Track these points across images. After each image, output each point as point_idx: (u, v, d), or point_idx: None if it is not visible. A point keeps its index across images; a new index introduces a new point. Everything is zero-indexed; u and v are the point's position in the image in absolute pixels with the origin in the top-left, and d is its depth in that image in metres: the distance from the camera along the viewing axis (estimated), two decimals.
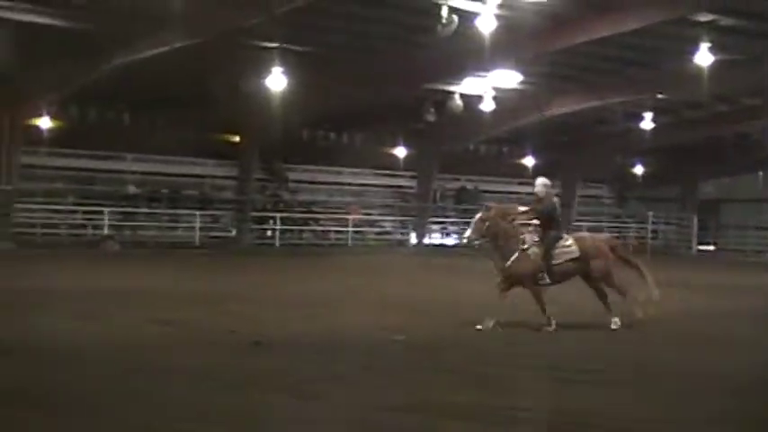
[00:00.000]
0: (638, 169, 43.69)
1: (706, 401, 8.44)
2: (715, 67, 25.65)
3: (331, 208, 37.11)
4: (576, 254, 13.21)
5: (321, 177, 37.71)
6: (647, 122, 35.15)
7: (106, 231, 30.59)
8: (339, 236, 36.34)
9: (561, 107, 33.62)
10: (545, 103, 32.85)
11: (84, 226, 31.41)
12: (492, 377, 9.36)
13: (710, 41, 24.80)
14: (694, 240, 40.70)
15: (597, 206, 44.85)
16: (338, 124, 36.29)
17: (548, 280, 13.05)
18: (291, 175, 36.57)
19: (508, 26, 23.26)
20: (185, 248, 30.23)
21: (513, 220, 13.26)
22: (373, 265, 25.57)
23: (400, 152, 37.39)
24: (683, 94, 32.28)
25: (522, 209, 13.58)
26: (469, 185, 40.26)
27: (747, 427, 7.76)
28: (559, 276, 13.18)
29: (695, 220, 40.92)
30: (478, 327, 12.45)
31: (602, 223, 41.01)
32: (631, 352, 11.28)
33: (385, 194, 39.61)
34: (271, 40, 25.71)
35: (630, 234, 40.14)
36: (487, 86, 31.28)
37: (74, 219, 31.45)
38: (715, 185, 46.67)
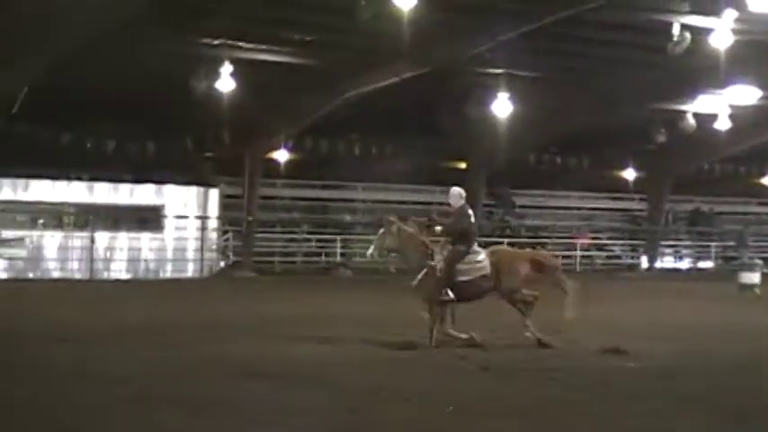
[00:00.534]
0: None
1: None
2: None
3: (558, 233, 36.63)
4: (487, 270, 12.59)
5: (548, 202, 37.36)
6: None
7: (339, 258, 31.60)
8: (566, 261, 35.75)
9: None
10: None
11: (318, 254, 32.59)
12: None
13: None
14: None
15: None
16: (565, 148, 35.84)
17: (451, 296, 12.44)
18: (518, 201, 36.43)
19: (746, 40, 22.22)
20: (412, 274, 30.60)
21: (429, 231, 12.93)
22: (603, 290, 24.93)
23: (629, 174, 36.46)
24: None
25: (441, 220, 13.22)
26: (704, 207, 38.66)
27: None
28: (469, 294, 12.60)
29: None
30: None
31: None
32: None
33: (614, 218, 38.70)
34: (496, 67, 25.83)
35: None
36: (723, 104, 29.96)
37: (308, 247, 32.71)
38: None
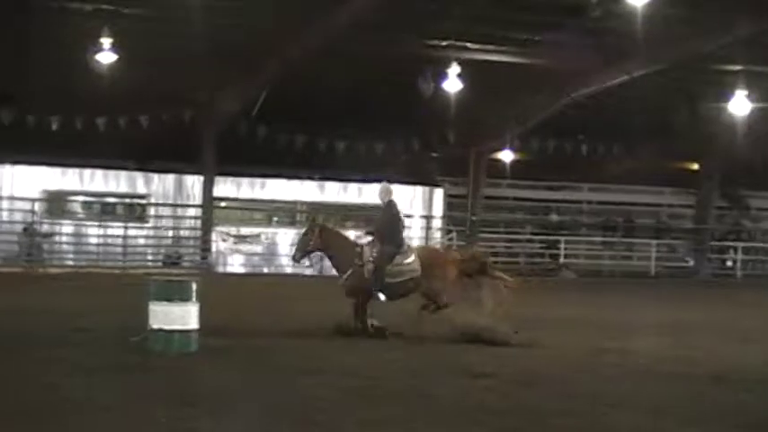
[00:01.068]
0: None
1: None
2: None
3: None
4: (418, 272, 12.08)
5: None
6: None
7: (562, 260, 31.21)
8: None
9: None
10: None
11: (541, 255, 32.31)
12: None
13: None
14: None
15: None
16: None
17: (382, 298, 12.06)
18: (754, 203, 34.62)
19: None
20: (640, 278, 29.84)
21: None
22: None
23: None
24: None
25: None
26: None
27: None
28: (399, 294, 12.19)
29: None
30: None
31: None
32: None
33: None
34: (733, 63, 24.64)
35: None
36: None
37: (531, 248, 32.48)
38: None
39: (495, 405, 8.66)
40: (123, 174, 26.77)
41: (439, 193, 29.47)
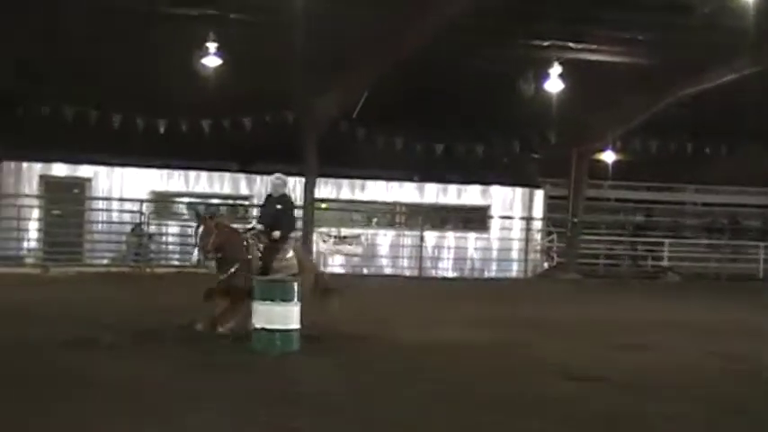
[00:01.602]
0: None
1: None
2: None
3: None
4: (296, 269, 11.67)
5: None
6: None
7: (666, 263, 30.60)
8: None
9: None
10: None
11: (644, 257, 31.73)
12: None
13: None
14: None
15: None
16: None
17: None
18: None
19: None
20: (747, 281, 29.06)
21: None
22: None
23: None
24: None
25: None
26: None
27: None
28: None
29: None
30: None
31: None
32: None
33: None
34: None
35: None
36: None
37: (634, 250, 31.92)
38: None
39: (604, 409, 8.57)
40: (227, 175, 27.34)
41: (539, 195, 29.25)
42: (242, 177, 27.41)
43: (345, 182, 27.94)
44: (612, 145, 29.86)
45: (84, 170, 26.13)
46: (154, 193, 26.58)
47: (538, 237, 29.30)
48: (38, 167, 25.75)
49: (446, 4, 20.29)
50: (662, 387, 9.80)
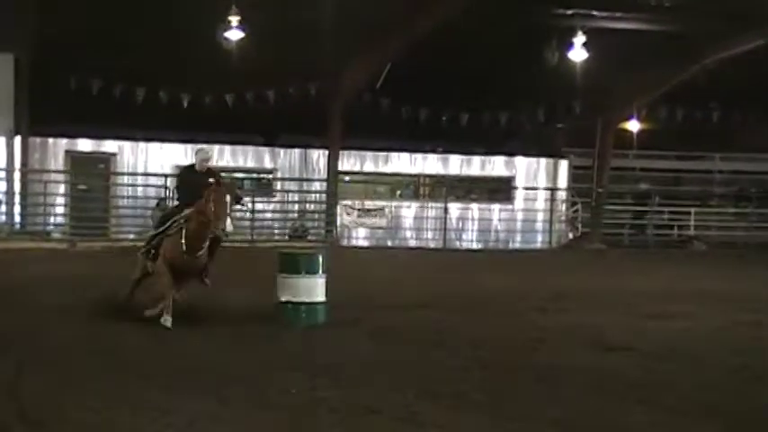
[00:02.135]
0: None
1: None
2: None
3: None
4: None
5: None
6: None
7: (692, 232, 30.39)
8: None
9: None
10: None
11: (670, 227, 31.51)
12: None
13: None
14: None
15: None
16: None
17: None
18: None
19: None
20: None
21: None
22: None
23: None
24: None
25: None
26: None
27: None
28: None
29: None
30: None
31: None
32: None
33: None
34: None
35: None
36: None
37: (660, 219, 31.70)
38: None
39: (633, 378, 8.55)
40: (251, 149, 27.35)
41: (564, 165, 29.10)
42: (266, 151, 27.43)
43: (369, 154, 27.89)
44: (638, 114, 29.60)
45: (108, 145, 26.26)
46: (178, 167, 26.65)
47: (562, 207, 29.18)
48: (63, 143, 25.90)
49: None
50: (692, 356, 9.75)
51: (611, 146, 29.13)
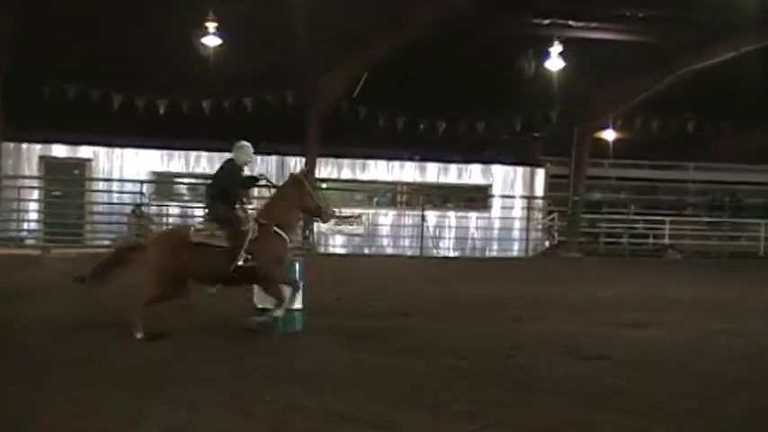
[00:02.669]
0: None
1: None
2: None
3: None
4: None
5: None
6: None
7: (667, 241, 30.59)
8: None
9: None
10: None
11: (645, 236, 31.72)
12: None
13: None
14: None
15: None
16: None
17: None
18: None
19: None
20: (748, 258, 29.08)
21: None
22: None
23: None
24: None
25: None
26: None
27: None
28: None
29: None
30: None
31: None
32: None
33: None
34: None
35: None
36: None
37: (635, 228, 31.90)
38: None
39: (609, 386, 8.59)
40: (227, 156, 27.23)
41: (540, 174, 29.23)
42: None
43: (346, 161, 27.89)
44: (613, 123, 29.80)
45: (84, 151, 26.10)
46: (154, 173, 26.54)
47: (539, 216, 29.28)
48: (38, 148, 25.73)
49: None
50: (667, 364, 9.79)
51: (588, 155, 29.29)
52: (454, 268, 23.09)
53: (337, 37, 22.60)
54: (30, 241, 24.60)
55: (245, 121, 26.13)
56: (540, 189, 29.19)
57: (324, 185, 27.58)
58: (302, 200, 11.35)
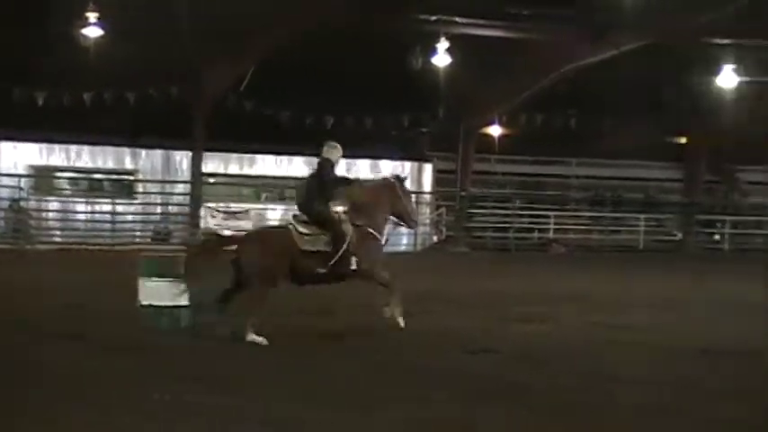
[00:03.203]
0: None
1: None
2: None
3: None
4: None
5: None
6: None
7: (551, 235, 31.23)
8: None
9: None
10: None
11: (530, 230, 32.30)
12: None
13: None
14: None
15: None
16: None
17: None
18: (743, 177, 34.68)
19: None
20: (629, 252, 29.94)
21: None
22: None
23: None
24: None
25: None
26: None
27: None
28: None
29: None
30: None
31: None
32: None
33: None
34: (726, 36, 24.64)
35: None
36: None
37: (521, 223, 32.45)
38: None
39: (494, 379, 8.69)
40: (111, 150, 26.61)
41: (428, 169, 29.43)
42: (126, 152, 26.74)
43: (234, 156, 27.56)
44: (499, 119, 30.22)
45: None
46: (33, 167, 25.68)
47: (427, 210, 29.49)
48: None
49: None
50: (549, 358, 9.95)
51: (474, 150, 29.64)
52: None
53: (222, 31, 22.28)
54: None
55: (129, 113, 25.55)
56: (427, 184, 29.40)
57: (211, 180, 27.22)
58: (393, 204, 11.53)
